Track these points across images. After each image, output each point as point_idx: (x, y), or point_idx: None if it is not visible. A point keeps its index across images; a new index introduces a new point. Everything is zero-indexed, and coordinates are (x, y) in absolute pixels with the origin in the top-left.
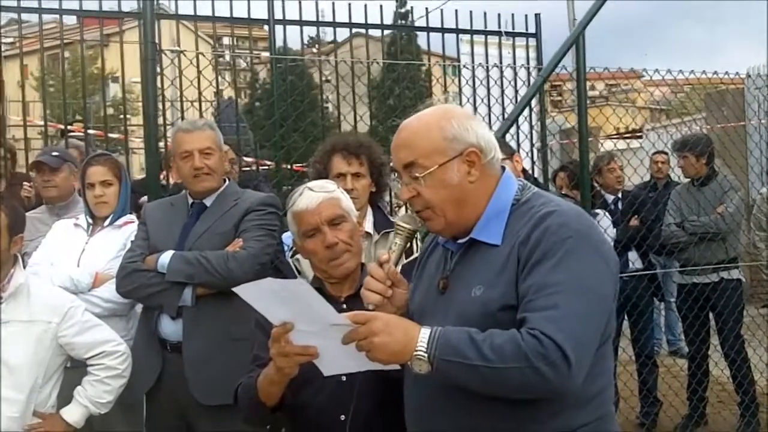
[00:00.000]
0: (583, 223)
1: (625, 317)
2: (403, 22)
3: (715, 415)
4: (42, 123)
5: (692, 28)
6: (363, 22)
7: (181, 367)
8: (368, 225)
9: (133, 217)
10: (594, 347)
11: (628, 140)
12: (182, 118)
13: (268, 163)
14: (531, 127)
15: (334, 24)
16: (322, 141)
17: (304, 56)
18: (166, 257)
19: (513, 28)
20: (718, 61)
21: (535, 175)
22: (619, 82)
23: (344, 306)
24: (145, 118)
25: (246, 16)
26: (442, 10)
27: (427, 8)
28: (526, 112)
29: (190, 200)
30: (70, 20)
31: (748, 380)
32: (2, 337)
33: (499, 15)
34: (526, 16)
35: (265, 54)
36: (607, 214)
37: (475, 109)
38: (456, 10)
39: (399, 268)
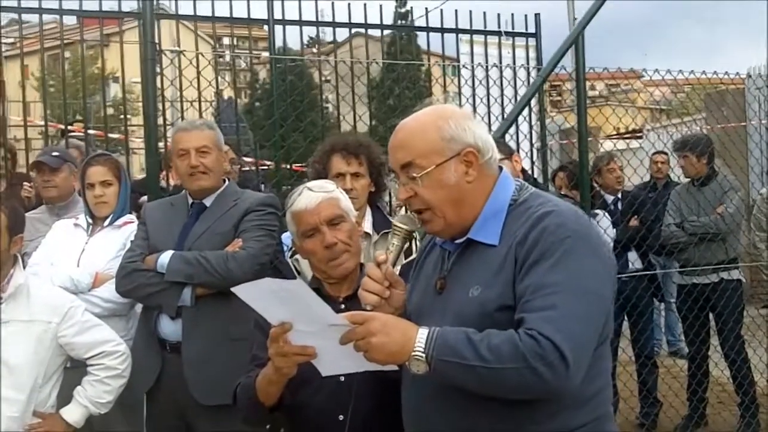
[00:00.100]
0: (580, 224)
1: (625, 318)
2: (403, 22)
3: (715, 415)
4: (42, 123)
5: (692, 28)
6: (362, 22)
7: (180, 367)
8: (367, 225)
9: (132, 217)
10: (592, 348)
11: (627, 140)
12: (182, 118)
13: (268, 163)
14: (530, 127)
15: (334, 24)
16: (322, 141)
17: (303, 56)
18: (165, 257)
19: (513, 28)
20: (719, 61)
21: (535, 176)
22: (619, 82)
23: (343, 306)
24: (145, 118)
25: (246, 16)
26: (441, 10)
27: (426, 8)
28: (525, 112)
29: (190, 200)
30: (71, 20)
31: (748, 381)
32: (2, 337)
33: (498, 15)
34: (525, 16)
35: (265, 54)
36: (606, 214)
37: (475, 109)
38: (456, 10)
39: (398, 268)
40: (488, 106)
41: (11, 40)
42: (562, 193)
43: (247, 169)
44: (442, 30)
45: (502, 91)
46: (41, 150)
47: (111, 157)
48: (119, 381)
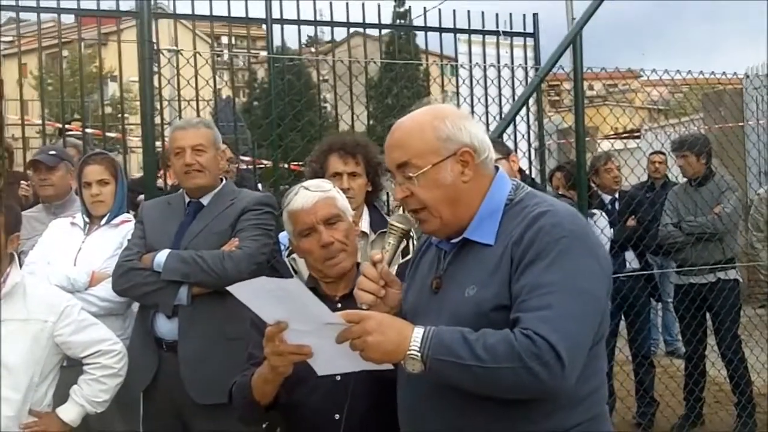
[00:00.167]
0: (576, 224)
1: (622, 317)
2: (402, 21)
3: (712, 415)
4: (40, 122)
5: (692, 28)
6: (360, 21)
7: (177, 366)
8: (364, 224)
9: (129, 216)
10: (587, 348)
11: (625, 140)
12: (180, 117)
13: (266, 162)
14: (528, 126)
15: (332, 23)
16: (320, 140)
17: (301, 56)
18: (162, 256)
19: (511, 28)
20: (718, 61)
21: (532, 176)
22: (617, 82)
23: (339, 305)
24: (142, 117)
25: (244, 15)
26: (440, 10)
27: (425, 8)
28: (523, 111)
29: (187, 199)
30: (69, 19)
31: (745, 380)
32: (2, 336)
33: (497, 15)
34: (524, 15)
35: (263, 53)
36: (604, 214)
37: (473, 108)
38: (454, 10)
39: (395, 267)
40: (486, 106)
41: (9, 39)
42: (560, 193)
43: (245, 167)
44: (440, 29)
45: (500, 90)
46: (38, 149)
47: (108, 155)
48: (115, 380)
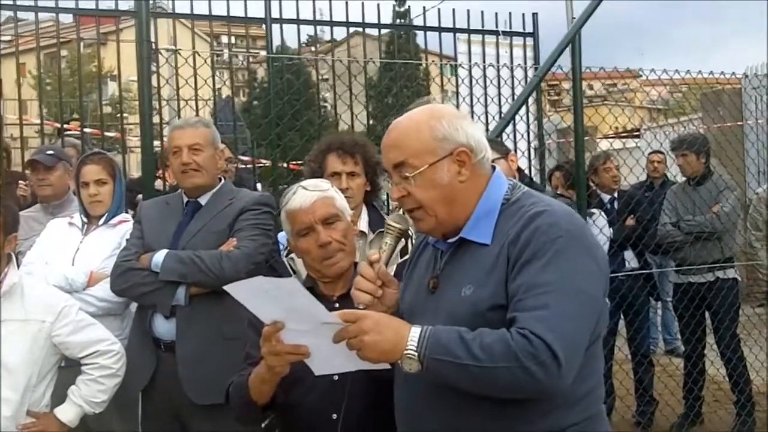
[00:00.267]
0: (573, 223)
1: (621, 316)
2: (402, 21)
3: (711, 414)
4: (39, 121)
5: (692, 28)
6: (360, 21)
7: (175, 367)
8: (363, 224)
9: (127, 216)
10: (584, 347)
11: (624, 140)
12: (178, 116)
13: (264, 161)
14: (528, 126)
15: (331, 23)
16: (319, 140)
17: (301, 55)
18: (159, 256)
19: (510, 28)
20: (718, 60)
21: (532, 175)
22: (617, 81)
23: (336, 305)
24: (140, 117)
25: (243, 14)
26: (439, 9)
27: (424, 7)
28: (522, 111)
29: (185, 199)
30: (68, 18)
31: (744, 379)
32: (2, 336)
33: (496, 14)
34: (523, 15)
35: (263, 53)
36: (603, 213)
37: (472, 108)
38: (453, 9)
39: (393, 267)
40: (485, 106)
41: (8, 38)
42: (558, 192)
43: (244, 167)
44: (440, 29)
45: (499, 90)
46: (36, 148)
47: (106, 155)
48: (114, 380)
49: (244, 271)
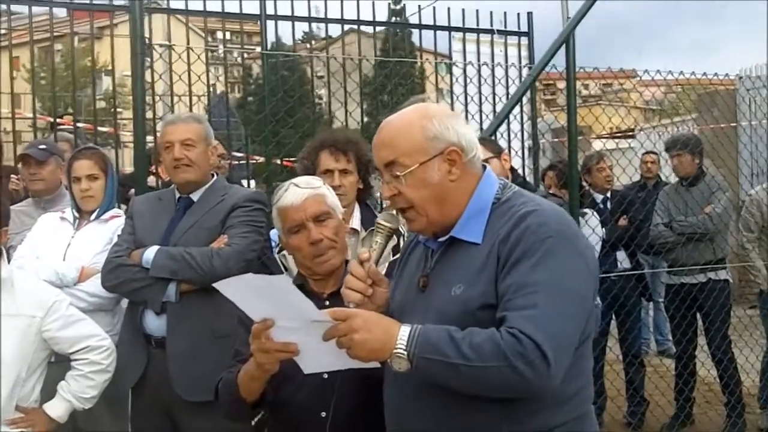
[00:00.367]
0: (563, 223)
1: (613, 317)
2: (397, 19)
3: (701, 415)
4: (31, 115)
5: (690, 28)
6: (355, 18)
7: (165, 363)
8: (355, 222)
9: (119, 211)
10: (573, 347)
11: (617, 140)
12: (172, 112)
13: (257, 158)
14: (522, 125)
15: (326, 20)
16: (313, 137)
17: (295, 52)
18: (150, 252)
19: (505, 27)
20: (716, 61)
21: (525, 175)
22: (612, 81)
23: (327, 303)
24: (134, 113)
25: (238, 11)
26: (434, 8)
27: (419, 6)
28: (516, 110)
29: (177, 195)
30: (62, 12)
31: (735, 381)
32: None
33: (491, 13)
34: (518, 14)
35: (257, 49)
36: (595, 213)
37: (466, 107)
38: (448, 8)
39: (385, 266)
40: (480, 105)
41: (2, 32)
42: (551, 192)
43: (236, 163)
44: (435, 27)
45: (493, 89)
46: (28, 143)
47: (98, 150)
48: (103, 376)
49: (235, 268)
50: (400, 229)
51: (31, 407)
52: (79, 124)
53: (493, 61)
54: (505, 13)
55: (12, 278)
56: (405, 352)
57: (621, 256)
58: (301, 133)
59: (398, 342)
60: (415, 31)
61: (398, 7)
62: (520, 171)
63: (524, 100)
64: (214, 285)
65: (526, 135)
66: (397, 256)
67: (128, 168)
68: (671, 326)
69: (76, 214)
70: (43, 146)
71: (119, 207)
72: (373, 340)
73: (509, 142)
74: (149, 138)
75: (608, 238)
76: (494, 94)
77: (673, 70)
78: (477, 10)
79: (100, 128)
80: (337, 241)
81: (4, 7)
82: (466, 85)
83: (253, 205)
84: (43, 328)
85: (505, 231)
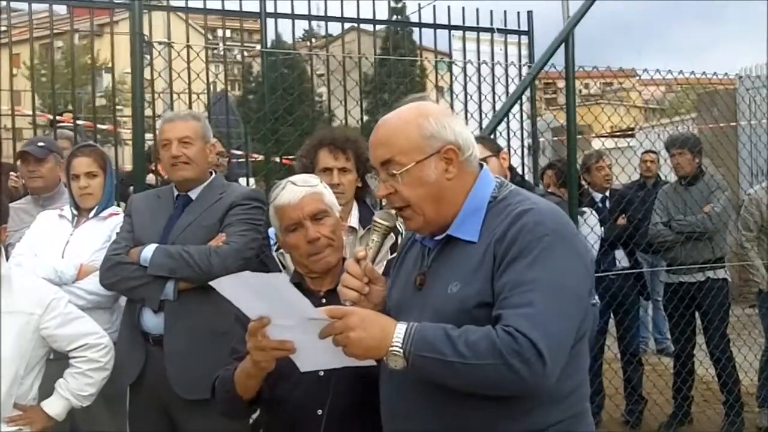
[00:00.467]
0: (559, 222)
1: (611, 315)
2: (398, 17)
3: (699, 414)
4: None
5: (690, 28)
6: (355, 16)
7: (163, 361)
8: (354, 220)
9: (118, 209)
10: (569, 345)
11: (617, 139)
12: (171, 109)
13: (256, 156)
14: (521, 124)
15: (326, 18)
16: (312, 135)
17: (295, 50)
18: (148, 251)
19: (505, 26)
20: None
21: (524, 173)
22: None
23: (323, 301)
24: (132, 110)
25: (238, 9)
26: (434, 6)
27: (419, 4)
28: (515, 109)
29: (176, 192)
30: (62, 9)
31: (733, 379)
32: None
33: (491, 12)
34: (518, 13)
35: (257, 47)
36: (594, 212)
37: (466, 105)
38: (449, 6)
39: (383, 264)
40: (479, 103)
41: (2, 28)
42: (550, 191)
43: (234, 161)
44: (435, 26)
45: (493, 88)
46: (27, 140)
47: (97, 148)
48: (101, 374)
49: (233, 266)
50: (399, 227)
51: (29, 405)
52: (79, 122)
53: (492, 59)
54: (505, 11)
55: (10, 275)
56: (401, 350)
57: (620, 254)
58: (301, 131)
59: (394, 340)
60: (416, 30)
61: (398, 5)
62: (519, 170)
63: (524, 98)
64: (210, 283)
65: (525, 134)
66: (395, 254)
67: (128, 166)
68: (670, 325)
69: (75, 212)
70: (42, 143)
71: (119, 205)
72: (369, 338)
73: (509, 140)
74: (149, 136)
75: (607, 236)
76: (494, 92)
77: (673, 70)
78: (477, 9)
79: (100, 126)
80: (335, 240)
81: (4, 4)
82: (466, 84)
83: (251, 203)
84: (42, 325)
85: (501, 229)
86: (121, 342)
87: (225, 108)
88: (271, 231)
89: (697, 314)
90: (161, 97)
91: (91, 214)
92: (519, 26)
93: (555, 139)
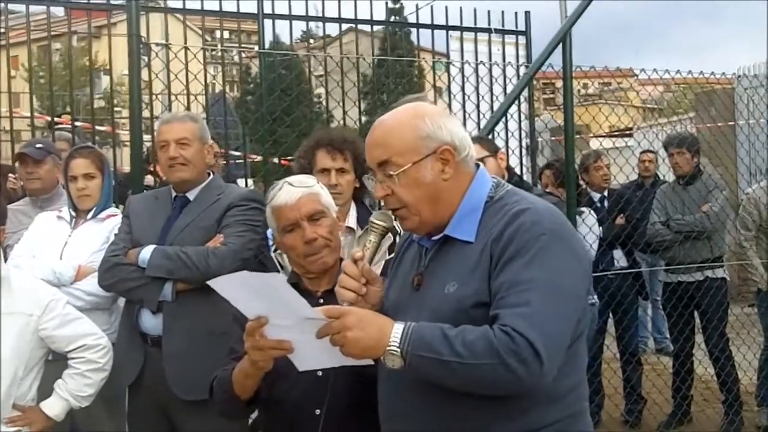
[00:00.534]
0: (556, 222)
1: (610, 315)
2: (396, 18)
3: (699, 413)
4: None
5: (689, 28)
6: (353, 17)
7: (162, 362)
8: (351, 221)
9: (116, 210)
10: (566, 345)
11: (615, 139)
12: (169, 111)
13: (254, 156)
14: (519, 124)
15: (324, 19)
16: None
17: (293, 51)
18: (146, 252)
19: (503, 26)
20: (715, 60)
21: (522, 173)
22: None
23: (321, 301)
24: (130, 112)
25: (235, 10)
26: (432, 7)
27: (417, 5)
28: (513, 109)
29: (174, 194)
30: (60, 11)
31: (732, 378)
32: None
33: (489, 12)
34: (516, 13)
35: (255, 48)
36: (592, 212)
37: (464, 106)
38: (446, 7)
39: (381, 264)
40: (477, 104)
41: (0, 31)
42: (548, 191)
43: (232, 162)
44: (432, 26)
45: (491, 88)
46: (25, 142)
47: (95, 149)
48: (100, 374)
49: (231, 267)
50: (396, 227)
51: (28, 406)
52: (78, 124)
53: (490, 60)
54: (502, 12)
55: (9, 277)
56: (398, 350)
57: (618, 254)
58: (298, 131)
59: (391, 339)
60: (413, 30)
61: (396, 6)
62: (517, 170)
63: (521, 99)
64: (209, 283)
65: (523, 134)
66: (393, 254)
67: (127, 167)
68: (669, 324)
69: (73, 213)
70: (40, 145)
71: (117, 206)
72: (366, 337)
73: (507, 141)
74: (147, 137)
75: (605, 236)
76: (492, 93)
77: (671, 69)
78: (474, 9)
79: (98, 127)
80: (332, 240)
81: (2, 6)
82: (463, 84)
83: (249, 204)
84: (40, 326)
85: (498, 229)
86: (120, 343)
87: (223, 109)
88: (270, 232)
89: (695, 313)
90: (159, 99)
91: (90, 215)
92: (516, 26)
93: (553, 139)
